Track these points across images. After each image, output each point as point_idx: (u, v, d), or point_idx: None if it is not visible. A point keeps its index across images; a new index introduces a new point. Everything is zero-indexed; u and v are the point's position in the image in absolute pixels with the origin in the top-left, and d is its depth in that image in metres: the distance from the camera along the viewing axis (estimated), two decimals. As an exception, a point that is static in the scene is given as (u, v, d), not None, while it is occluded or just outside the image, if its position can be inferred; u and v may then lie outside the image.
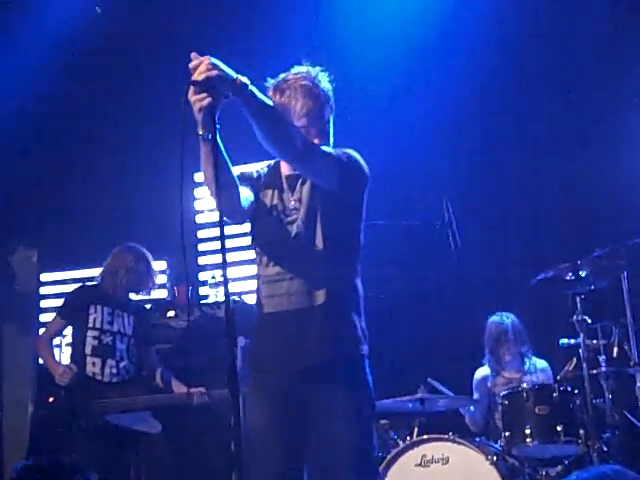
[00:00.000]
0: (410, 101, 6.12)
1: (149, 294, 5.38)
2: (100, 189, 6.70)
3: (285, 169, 3.10)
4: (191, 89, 2.56)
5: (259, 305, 3.05)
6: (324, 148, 3.00)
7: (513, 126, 6.21)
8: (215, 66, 2.54)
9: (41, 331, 6.50)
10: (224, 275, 2.50)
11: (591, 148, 5.89)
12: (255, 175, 3.12)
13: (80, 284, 5.51)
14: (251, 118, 2.68)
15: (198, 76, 2.53)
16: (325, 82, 3.08)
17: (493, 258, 6.15)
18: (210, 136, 2.61)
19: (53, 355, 5.13)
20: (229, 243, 2.53)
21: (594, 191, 5.86)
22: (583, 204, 5.90)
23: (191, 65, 2.55)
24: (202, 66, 2.53)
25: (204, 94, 2.55)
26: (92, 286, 5.36)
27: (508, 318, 5.36)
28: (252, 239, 3.13)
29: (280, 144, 2.78)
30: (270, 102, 2.79)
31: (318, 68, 3.10)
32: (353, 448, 2.87)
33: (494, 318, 5.40)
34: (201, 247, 6.72)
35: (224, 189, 2.63)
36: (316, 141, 3.01)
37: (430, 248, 5.83)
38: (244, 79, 2.61)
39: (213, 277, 5.97)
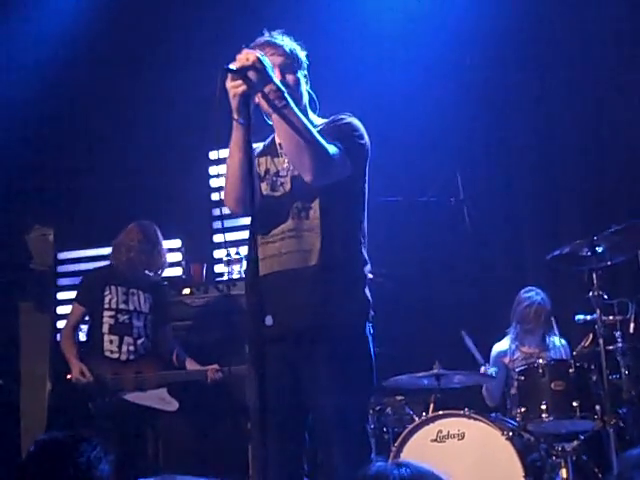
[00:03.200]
0: (423, 78, 6.06)
1: (160, 273, 5.32)
2: (117, 167, 6.69)
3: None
4: (229, 77, 2.69)
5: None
6: (338, 151, 2.88)
7: (528, 101, 6.17)
8: (259, 60, 2.68)
9: (58, 310, 6.56)
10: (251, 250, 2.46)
11: (609, 122, 5.84)
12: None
13: (92, 268, 5.51)
14: (279, 123, 2.77)
15: (235, 64, 2.67)
16: (284, 38, 3.06)
17: (509, 234, 6.13)
18: (243, 121, 2.72)
19: (74, 351, 5.02)
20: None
21: (611, 166, 5.83)
22: (600, 179, 5.86)
23: (238, 56, 2.69)
24: (243, 55, 2.68)
25: (239, 81, 2.68)
26: (105, 267, 5.35)
27: (543, 294, 5.33)
28: None
29: (301, 157, 2.80)
30: (302, 115, 2.82)
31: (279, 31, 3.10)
32: (341, 420, 2.83)
33: (534, 295, 5.30)
34: (216, 225, 6.69)
35: (247, 176, 2.68)
36: (291, 78, 2.95)
37: (445, 224, 5.82)
38: (280, 85, 2.76)
39: (228, 255, 5.97)
